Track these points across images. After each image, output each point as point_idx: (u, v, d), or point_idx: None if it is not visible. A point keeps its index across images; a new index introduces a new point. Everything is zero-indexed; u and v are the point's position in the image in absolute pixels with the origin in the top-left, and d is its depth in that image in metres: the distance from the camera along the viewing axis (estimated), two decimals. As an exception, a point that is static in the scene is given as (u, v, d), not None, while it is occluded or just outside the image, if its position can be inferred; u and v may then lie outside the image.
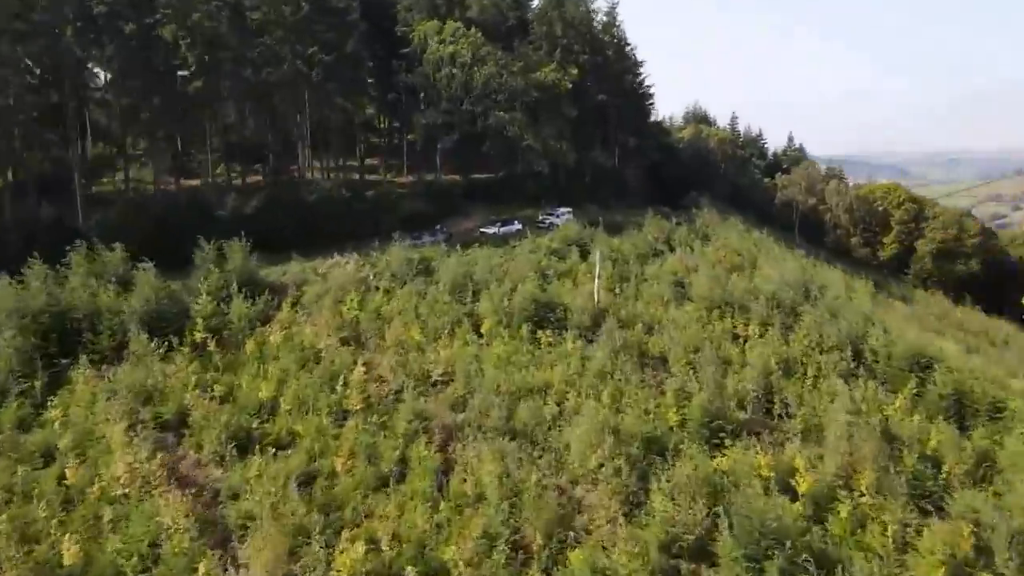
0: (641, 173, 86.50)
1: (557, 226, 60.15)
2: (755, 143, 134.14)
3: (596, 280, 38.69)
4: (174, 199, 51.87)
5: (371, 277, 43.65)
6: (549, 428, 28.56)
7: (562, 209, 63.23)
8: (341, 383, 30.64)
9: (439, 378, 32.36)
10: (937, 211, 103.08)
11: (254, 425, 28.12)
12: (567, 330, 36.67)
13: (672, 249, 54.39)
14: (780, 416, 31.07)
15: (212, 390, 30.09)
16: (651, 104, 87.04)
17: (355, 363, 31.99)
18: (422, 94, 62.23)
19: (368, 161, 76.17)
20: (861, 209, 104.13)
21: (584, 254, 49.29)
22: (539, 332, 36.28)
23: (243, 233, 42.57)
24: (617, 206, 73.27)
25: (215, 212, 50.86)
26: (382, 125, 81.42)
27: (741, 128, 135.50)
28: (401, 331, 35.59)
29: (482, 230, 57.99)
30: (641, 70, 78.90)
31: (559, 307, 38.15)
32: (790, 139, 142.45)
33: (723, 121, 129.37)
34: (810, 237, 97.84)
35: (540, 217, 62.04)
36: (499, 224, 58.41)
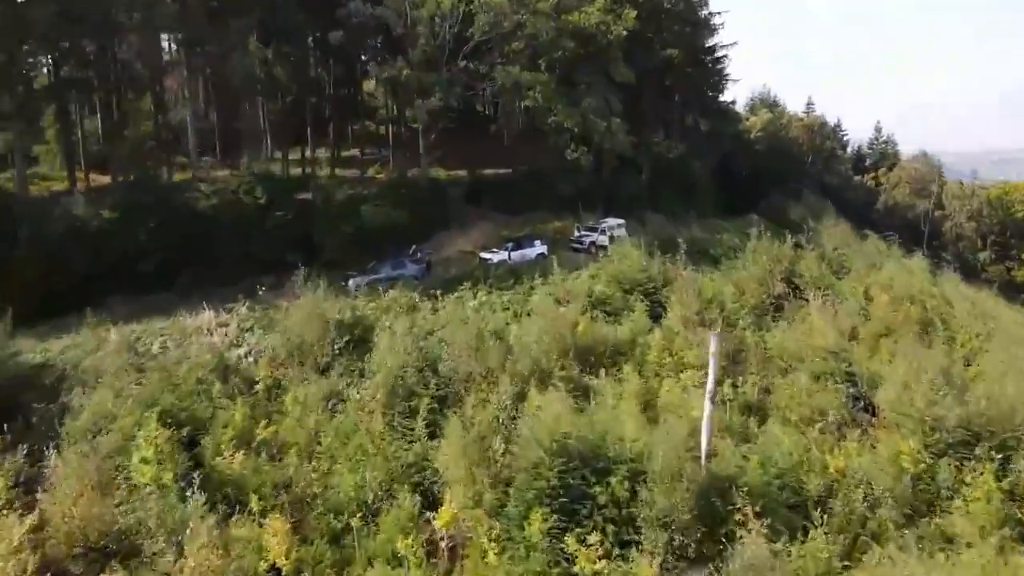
0: (707, 169, 64.46)
1: (603, 248, 38.64)
2: (834, 134, 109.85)
3: (706, 414, 16.66)
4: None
5: (244, 359, 22.75)
6: None
7: (610, 220, 41.61)
8: None
9: None
10: (1097, 219, 79.19)
11: None
12: (638, 534, 15.28)
13: (796, 291, 32.38)
14: None
15: None
16: (726, 76, 64.73)
17: None
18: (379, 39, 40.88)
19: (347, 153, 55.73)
20: (992, 216, 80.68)
21: (656, 307, 27.62)
22: (572, 537, 14.96)
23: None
24: (684, 215, 51.49)
25: (28, 227, 30.42)
26: (384, 108, 60.42)
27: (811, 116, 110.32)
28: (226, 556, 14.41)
29: (483, 256, 36.70)
30: (718, 23, 56.46)
31: (619, 465, 16.57)
32: (877, 130, 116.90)
33: (794, 109, 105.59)
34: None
35: (576, 234, 40.47)
36: (511, 246, 37.03)
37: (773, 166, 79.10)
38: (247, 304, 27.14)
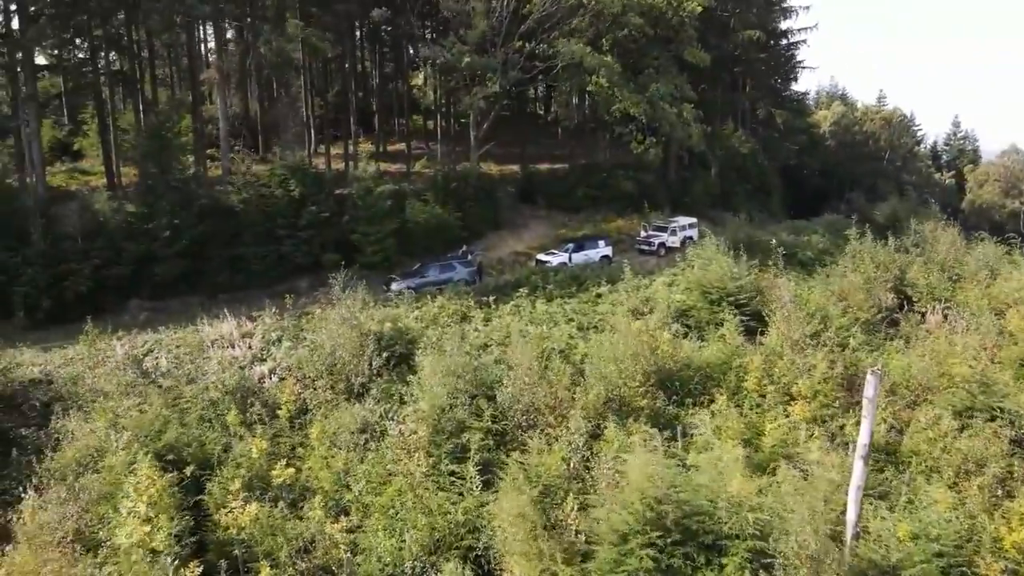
0: (777, 166, 59.44)
1: (674, 249, 34.55)
2: (907, 129, 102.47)
3: (856, 478, 12.39)
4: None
5: (268, 378, 19.45)
6: None
7: (681, 219, 37.35)
8: None
9: None
10: None
11: None
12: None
13: (907, 303, 27.79)
14: None
15: None
16: (800, 64, 59.52)
17: None
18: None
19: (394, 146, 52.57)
20: (1094, 219, 73.50)
21: (752, 320, 23.25)
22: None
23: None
24: (758, 215, 46.86)
25: (43, 225, 27.74)
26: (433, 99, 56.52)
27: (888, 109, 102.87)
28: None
29: (540, 258, 32.86)
30: (798, 5, 51.30)
31: (737, 543, 12.54)
32: (956, 124, 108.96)
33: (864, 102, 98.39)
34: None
35: (643, 234, 36.31)
36: (571, 247, 33.06)
37: (846, 164, 73.62)
38: (275, 311, 23.82)
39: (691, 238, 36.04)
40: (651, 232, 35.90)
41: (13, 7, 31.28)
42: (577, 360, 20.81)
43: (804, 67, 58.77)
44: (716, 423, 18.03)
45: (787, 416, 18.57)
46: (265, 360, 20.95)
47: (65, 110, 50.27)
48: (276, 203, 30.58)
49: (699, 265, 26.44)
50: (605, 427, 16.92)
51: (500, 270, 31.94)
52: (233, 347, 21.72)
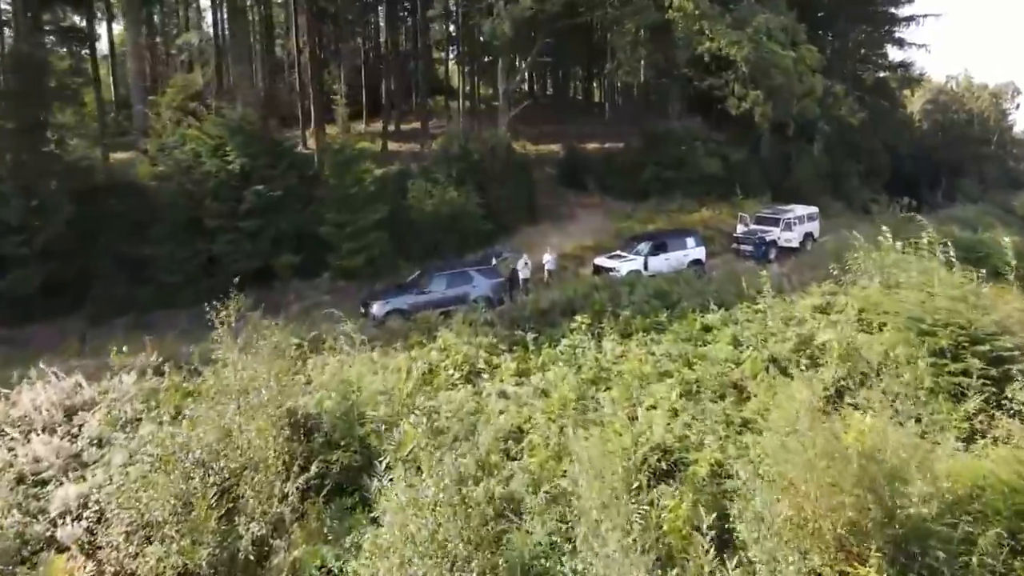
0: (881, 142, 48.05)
1: (793, 250, 23.86)
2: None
3: None
4: None
5: (70, 522, 9.25)
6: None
7: (798, 208, 26.36)
8: None
9: None
10: None
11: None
12: None
13: None
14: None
15: None
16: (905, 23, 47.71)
17: None
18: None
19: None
20: None
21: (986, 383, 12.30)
22: None
23: None
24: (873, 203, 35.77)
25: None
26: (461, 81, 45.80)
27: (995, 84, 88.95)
28: None
29: (600, 264, 22.17)
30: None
31: None
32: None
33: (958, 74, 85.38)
34: None
35: (741, 229, 25.47)
36: (646, 248, 22.20)
37: (942, 148, 62.13)
38: (152, 358, 13.66)
39: (812, 235, 25.28)
40: (755, 227, 25.03)
41: None
42: (699, 474, 10.17)
43: (923, 15, 46.63)
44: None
45: None
46: (88, 467, 10.77)
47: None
48: (206, 180, 20.41)
49: (881, 278, 15.59)
50: None
51: (539, 281, 21.42)
52: (54, 432, 11.61)
